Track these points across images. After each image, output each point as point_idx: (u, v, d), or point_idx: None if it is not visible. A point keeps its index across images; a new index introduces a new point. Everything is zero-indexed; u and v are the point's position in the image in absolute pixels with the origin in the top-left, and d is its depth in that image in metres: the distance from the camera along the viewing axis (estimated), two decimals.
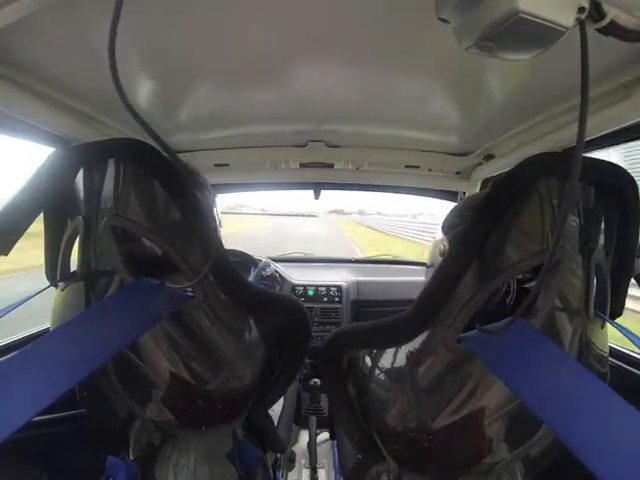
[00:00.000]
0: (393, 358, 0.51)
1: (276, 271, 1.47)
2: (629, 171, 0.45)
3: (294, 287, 1.63)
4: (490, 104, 0.90)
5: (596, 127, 0.73)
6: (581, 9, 0.35)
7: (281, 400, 1.04)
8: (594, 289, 0.46)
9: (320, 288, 1.62)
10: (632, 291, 0.55)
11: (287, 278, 1.64)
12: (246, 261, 1.24)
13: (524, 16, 0.34)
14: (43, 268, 0.56)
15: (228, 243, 0.64)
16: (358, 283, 1.67)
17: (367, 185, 1.57)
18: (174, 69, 0.75)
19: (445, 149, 1.30)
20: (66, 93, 0.79)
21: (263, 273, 1.22)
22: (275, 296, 0.65)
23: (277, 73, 0.77)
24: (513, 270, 0.44)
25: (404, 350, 0.49)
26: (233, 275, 0.52)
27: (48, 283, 0.56)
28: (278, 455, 1.09)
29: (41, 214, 0.48)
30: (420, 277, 1.61)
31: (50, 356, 0.38)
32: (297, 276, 1.68)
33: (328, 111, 1.01)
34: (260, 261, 1.24)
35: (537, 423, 0.46)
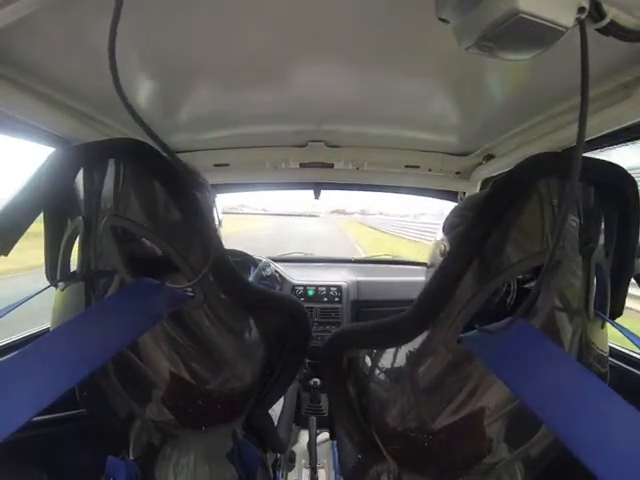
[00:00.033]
0: (393, 358, 0.51)
1: (276, 271, 1.47)
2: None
3: (294, 287, 1.63)
4: (490, 104, 0.90)
5: (596, 127, 0.73)
6: (581, 9, 0.35)
7: (281, 400, 1.04)
8: (594, 289, 0.46)
9: (320, 288, 1.62)
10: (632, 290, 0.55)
11: (287, 278, 1.64)
12: (246, 261, 1.24)
13: (524, 16, 0.34)
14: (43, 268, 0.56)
15: (230, 243, 0.64)
16: (358, 283, 1.67)
17: (367, 185, 1.57)
18: (174, 69, 0.75)
19: (445, 149, 1.30)
20: (66, 93, 0.79)
21: (263, 273, 1.22)
22: (275, 296, 0.65)
23: (277, 73, 0.77)
24: (513, 270, 0.44)
25: (404, 350, 0.49)
26: (233, 275, 0.52)
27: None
28: (278, 455, 1.09)
29: (41, 214, 0.48)
30: (420, 277, 1.62)
31: (50, 356, 0.38)
32: (297, 276, 1.69)
33: (328, 111, 1.01)
34: (260, 261, 1.24)
35: (537, 423, 0.46)
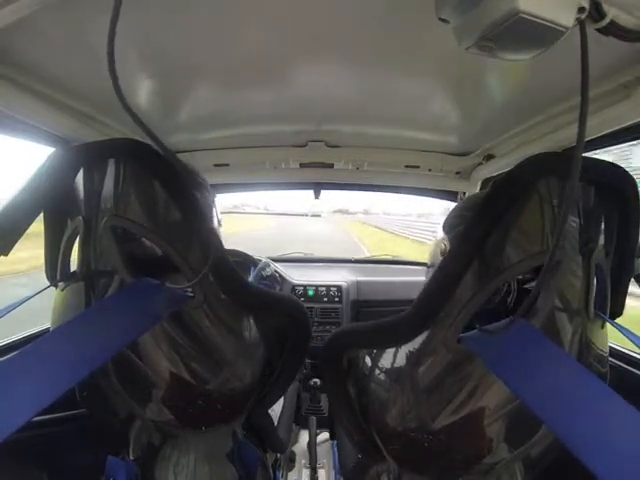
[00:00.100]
0: (393, 358, 0.51)
1: (276, 271, 1.47)
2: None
3: (294, 287, 1.63)
4: (490, 104, 0.90)
5: (596, 127, 0.73)
6: (581, 9, 0.35)
7: (281, 400, 1.04)
8: (594, 289, 0.46)
9: (320, 288, 1.62)
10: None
11: (287, 278, 1.64)
12: (246, 261, 1.23)
13: (524, 16, 0.34)
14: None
15: (232, 243, 0.64)
16: (358, 283, 1.67)
17: (367, 185, 1.57)
18: (173, 69, 0.75)
19: (445, 149, 1.30)
20: (66, 93, 0.79)
21: (263, 273, 1.21)
22: (275, 296, 0.65)
23: (277, 73, 0.77)
24: (513, 270, 0.44)
25: (404, 350, 0.49)
26: (233, 275, 0.52)
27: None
28: (278, 455, 1.09)
29: (41, 214, 0.48)
30: (420, 277, 1.61)
31: (50, 356, 0.38)
32: (297, 276, 1.68)
33: (328, 111, 1.01)
34: (260, 261, 1.24)
35: (537, 423, 0.46)
